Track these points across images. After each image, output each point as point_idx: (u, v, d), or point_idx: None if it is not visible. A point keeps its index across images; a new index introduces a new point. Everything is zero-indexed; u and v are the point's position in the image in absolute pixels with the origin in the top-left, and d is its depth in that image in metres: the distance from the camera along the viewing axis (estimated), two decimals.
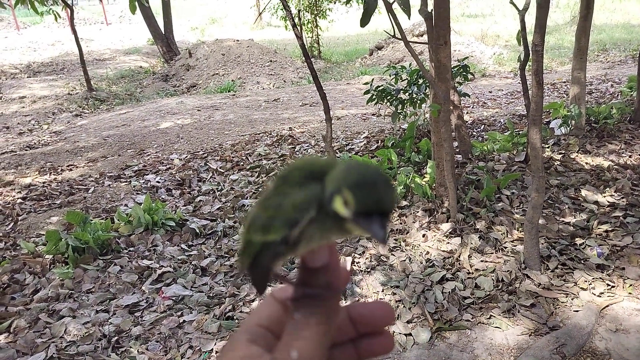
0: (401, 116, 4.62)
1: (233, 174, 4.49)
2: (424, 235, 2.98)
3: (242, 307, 2.48)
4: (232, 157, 4.88)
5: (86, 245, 3.04)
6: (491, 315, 2.31)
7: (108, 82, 10.59)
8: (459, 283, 2.53)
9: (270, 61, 10.53)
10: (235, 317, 2.41)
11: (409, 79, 4.59)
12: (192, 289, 2.72)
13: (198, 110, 7.19)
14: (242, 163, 4.73)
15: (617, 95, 6.04)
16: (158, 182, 4.43)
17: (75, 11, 9.83)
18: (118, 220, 3.47)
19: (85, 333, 2.37)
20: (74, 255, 2.96)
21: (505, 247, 2.79)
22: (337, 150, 4.63)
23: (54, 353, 2.25)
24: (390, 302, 2.43)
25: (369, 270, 2.66)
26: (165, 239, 3.30)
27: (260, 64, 10.39)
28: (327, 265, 0.43)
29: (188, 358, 2.20)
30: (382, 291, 2.50)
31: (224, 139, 5.61)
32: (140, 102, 8.71)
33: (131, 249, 3.17)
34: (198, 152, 5.19)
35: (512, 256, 2.69)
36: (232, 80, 9.67)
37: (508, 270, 2.57)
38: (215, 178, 4.42)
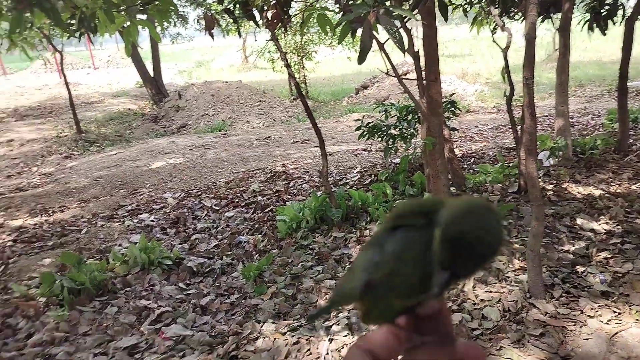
0: (392, 151, 4.71)
1: (228, 211, 4.47)
2: None
3: (247, 345, 2.41)
4: (227, 195, 4.87)
5: (82, 287, 2.95)
6: (501, 347, 2.28)
7: (97, 124, 10.61)
8: (465, 314, 2.51)
9: (260, 101, 10.72)
10: (239, 357, 2.34)
11: (398, 115, 4.72)
12: (193, 328, 2.65)
13: (190, 149, 7.21)
14: (236, 200, 4.72)
15: (599, 127, 6.26)
16: (152, 221, 4.37)
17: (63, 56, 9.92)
18: (113, 260, 3.40)
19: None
20: (70, 297, 2.86)
21: (508, 277, 2.80)
22: (332, 185, 4.66)
23: None
24: None
25: None
26: (162, 278, 3.23)
27: (249, 104, 10.56)
28: (438, 312, 0.43)
29: None
30: None
31: (217, 177, 5.61)
32: (131, 143, 8.71)
33: (128, 289, 3.09)
34: (192, 190, 5.17)
35: (516, 285, 2.69)
36: (223, 120, 9.78)
37: (514, 300, 2.57)
38: (210, 216, 4.38)
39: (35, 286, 3.12)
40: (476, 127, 7.65)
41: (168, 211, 4.58)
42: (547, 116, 7.56)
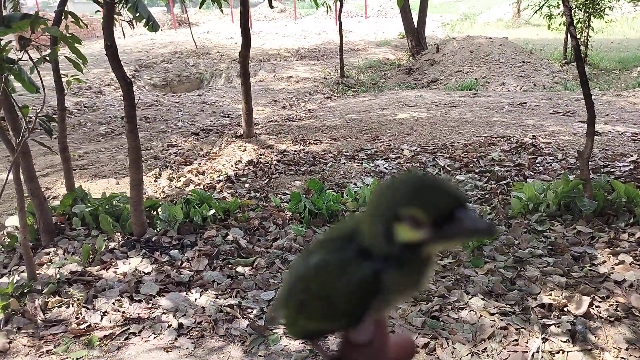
0: None
1: (460, 174, 4.33)
2: None
3: (450, 311, 2.38)
4: (462, 157, 4.70)
5: (319, 211, 3.40)
6: None
7: (357, 70, 11.53)
8: None
9: (523, 62, 9.68)
10: (441, 319, 2.33)
11: None
12: None
13: (435, 105, 7.17)
14: (471, 165, 4.51)
15: None
16: (386, 168, 4.62)
17: (342, 4, 10.93)
18: (347, 195, 3.76)
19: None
20: (308, 217, 3.35)
21: None
22: (591, 171, 3.95)
23: None
24: None
25: (612, 320, 2.20)
26: None
27: (510, 64, 9.66)
28: (370, 343, 0.39)
29: None
30: (627, 349, 2.03)
31: (456, 138, 5.45)
32: (382, 92, 9.21)
33: None
34: (428, 146, 5.18)
35: None
36: (476, 79, 9.29)
37: None
38: (441, 175, 4.34)
39: (285, 201, 3.75)
40: None
41: (402, 162, 4.74)
42: None
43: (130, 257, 3.02)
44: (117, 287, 2.71)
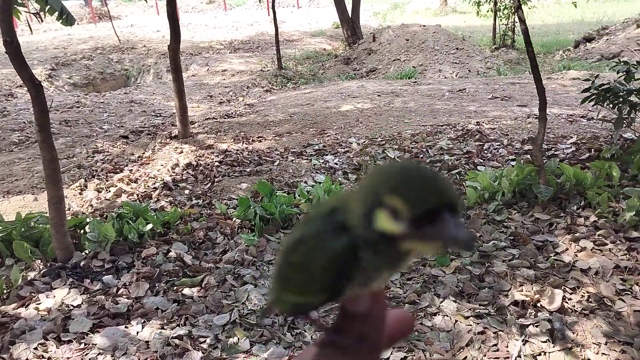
0: (625, 122, 3.76)
1: None
2: None
3: (423, 319, 2.22)
4: (411, 148, 4.62)
5: (271, 217, 3.13)
6: None
7: (294, 61, 11.25)
8: None
9: (457, 49, 9.87)
10: (414, 329, 2.16)
11: None
12: None
13: (378, 95, 7.07)
14: (421, 155, 4.43)
15: None
16: (336, 163, 4.42)
17: None
18: (299, 196, 3.52)
19: (265, 305, 2.39)
20: (260, 224, 3.06)
21: None
22: None
23: (236, 318, 2.32)
24: None
25: (586, 312, 2.14)
26: None
27: (444, 51, 9.82)
28: (367, 314, 0.39)
29: None
30: (605, 344, 1.97)
31: (403, 128, 5.36)
32: (323, 83, 9.00)
33: None
34: (376, 138, 5.05)
35: None
36: (413, 67, 9.34)
37: None
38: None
39: (232, 207, 3.44)
40: None
41: (351, 156, 4.56)
42: None
43: (54, 289, 2.58)
44: (40, 328, 2.29)
